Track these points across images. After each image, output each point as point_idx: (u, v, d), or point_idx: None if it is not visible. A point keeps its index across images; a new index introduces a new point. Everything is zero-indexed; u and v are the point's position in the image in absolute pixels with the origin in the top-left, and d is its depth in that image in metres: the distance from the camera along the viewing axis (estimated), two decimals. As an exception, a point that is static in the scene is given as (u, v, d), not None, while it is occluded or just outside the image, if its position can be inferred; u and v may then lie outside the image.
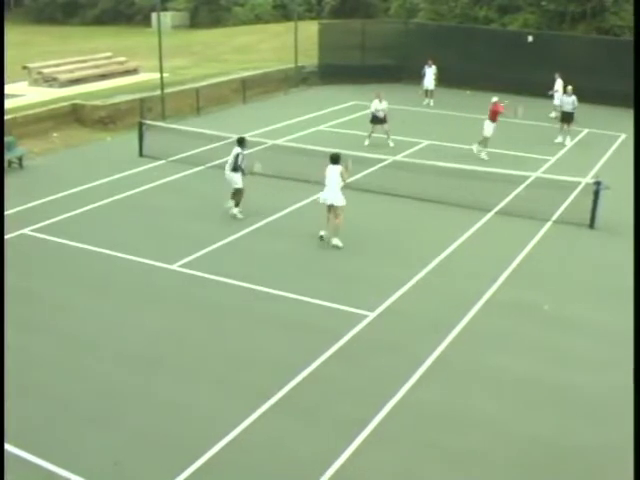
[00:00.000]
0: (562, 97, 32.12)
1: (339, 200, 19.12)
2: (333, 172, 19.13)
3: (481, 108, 30.30)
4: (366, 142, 29.36)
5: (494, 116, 27.94)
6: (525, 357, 14.30)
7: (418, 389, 13.10)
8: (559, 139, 31.05)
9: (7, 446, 10.93)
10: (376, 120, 29.39)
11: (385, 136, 29.31)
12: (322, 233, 19.48)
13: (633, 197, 20.70)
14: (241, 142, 21.08)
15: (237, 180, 20.87)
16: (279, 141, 27.79)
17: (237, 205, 21.02)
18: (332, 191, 19.12)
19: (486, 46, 41.17)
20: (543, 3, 43.95)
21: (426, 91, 38.71)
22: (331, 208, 19.24)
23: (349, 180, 19.97)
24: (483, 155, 28.04)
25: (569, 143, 30.72)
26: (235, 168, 20.73)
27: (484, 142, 28.24)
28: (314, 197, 21.11)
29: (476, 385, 13.36)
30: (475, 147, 28.34)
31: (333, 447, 11.40)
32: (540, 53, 39.19)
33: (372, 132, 29.46)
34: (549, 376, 13.63)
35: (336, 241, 19.16)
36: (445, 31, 44.11)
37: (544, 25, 43.68)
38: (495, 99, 28.44)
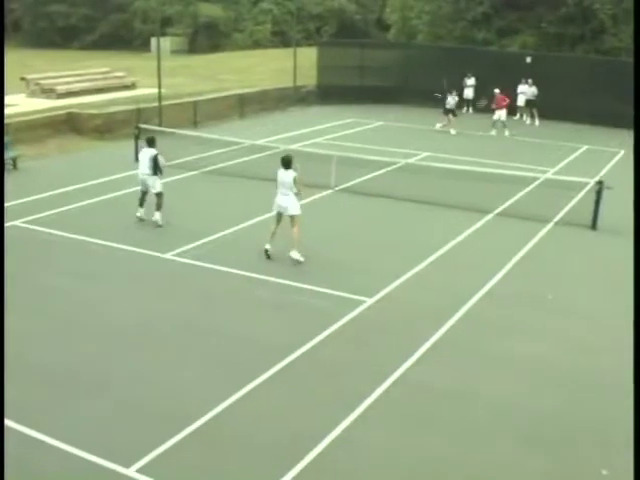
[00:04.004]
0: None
1: (293, 208, 17.25)
2: (285, 177, 17.16)
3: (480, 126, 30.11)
4: (452, 131, 35.74)
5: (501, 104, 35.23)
6: (526, 340, 13.97)
7: (418, 367, 12.75)
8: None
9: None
10: (446, 111, 35.85)
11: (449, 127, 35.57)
12: (267, 247, 17.52)
13: (633, 197, 20.51)
14: (151, 142, 19.88)
15: (157, 184, 19.72)
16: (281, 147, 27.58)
17: (158, 209, 19.70)
18: (284, 198, 17.27)
19: (485, 67, 41.07)
20: (543, 25, 44.00)
21: (467, 101, 41.77)
22: (281, 217, 17.49)
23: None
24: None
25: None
26: (154, 171, 19.57)
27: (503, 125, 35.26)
28: (310, 198, 20.93)
29: (477, 364, 13.00)
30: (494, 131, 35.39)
31: (329, 420, 11.00)
32: (539, 74, 39.08)
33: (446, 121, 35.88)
34: (551, 357, 13.31)
35: (295, 254, 17.29)
36: (444, 53, 43.99)
37: (543, 47, 43.69)
38: (497, 90, 35.52)
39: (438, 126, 36.25)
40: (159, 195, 19.77)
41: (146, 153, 19.71)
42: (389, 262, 17.79)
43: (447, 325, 14.34)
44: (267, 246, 17.49)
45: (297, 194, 17.30)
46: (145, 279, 16.42)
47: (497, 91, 35.89)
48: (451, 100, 36.08)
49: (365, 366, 12.73)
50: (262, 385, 11.96)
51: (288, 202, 17.20)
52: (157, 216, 19.66)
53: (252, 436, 10.66)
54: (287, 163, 17.20)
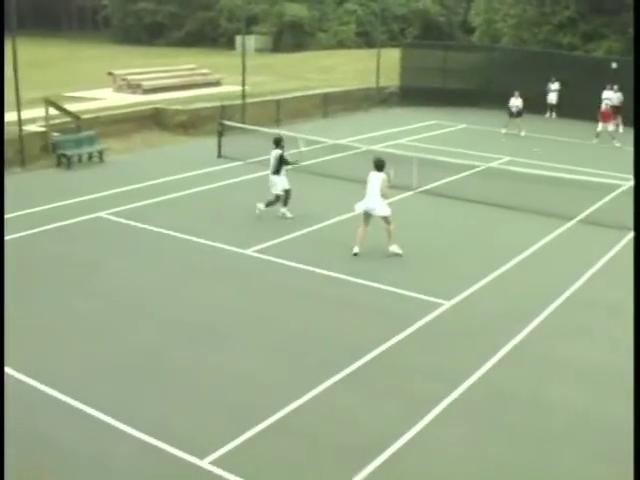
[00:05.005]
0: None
1: (381, 210, 17.65)
2: (375, 179, 17.67)
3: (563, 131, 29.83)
4: (503, 131, 35.84)
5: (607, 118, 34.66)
6: (605, 349, 13.84)
7: (494, 372, 12.67)
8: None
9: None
10: (511, 114, 35.98)
11: (517, 130, 35.58)
12: (356, 251, 17.73)
13: (633, 197, 20.15)
14: (278, 142, 20.22)
15: (278, 185, 20.03)
16: (363, 148, 27.69)
17: (285, 204, 20.32)
18: (372, 199, 17.64)
19: (569, 72, 40.51)
20: (630, 31, 43.20)
21: (550, 106, 41.65)
22: (369, 218, 17.82)
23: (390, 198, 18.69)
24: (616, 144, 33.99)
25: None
26: (277, 171, 19.91)
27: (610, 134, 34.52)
28: (391, 199, 20.90)
29: (554, 371, 12.87)
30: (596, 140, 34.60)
31: (402, 422, 11.02)
32: (624, 80, 38.34)
33: (508, 124, 35.91)
34: (630, 367, 13.06)
35: (395, 248, 17.85)
36: (528, 56, 43.48)
37: (628, 52, 42.88)
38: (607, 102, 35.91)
39: (503, 131, 36.02)
40: (278, 196, 20.21)
41: (273, 153, 20.11)
42: (468, 265, 17.73)
43: (525, 331, 14.22)
44: (356, 249, 17.71)
45: (383, 196, 17.67)
46: (223, 273, 16.65)
47: (608, 102, 35.84)
48: (515, 102, 36.09)
49: (440, 369, 12.72)
50: (338, 384, 12.03)
51: (376, 203, 17.57)
52: (282, 210, 20.32)
53: (326, 434, 10.73)
54: (379, 166, 17.76)
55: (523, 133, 35.83)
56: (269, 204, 20.23)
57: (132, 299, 15.06)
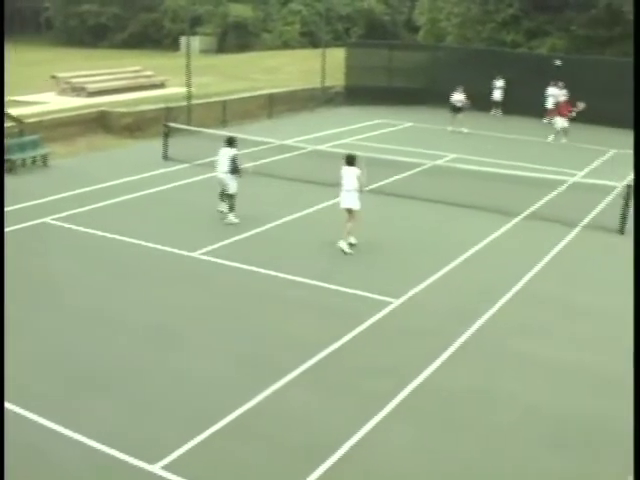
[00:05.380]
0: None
1: (355, 204, 18.20)
2: (349, 174, 18.21)
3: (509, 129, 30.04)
4: (449, 128, 36.23)
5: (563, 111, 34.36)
6: (553, 343, 13.99)
7: (444, 369, 12.77)
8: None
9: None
10: (454, 109, 36.38)
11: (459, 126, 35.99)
12: (344, 244, 18.29)
13: (633, 197, 20.40)
14: (231, 142, 20.17)
15: (233, 184, 19.92)
16: (309, 148, 27.74)
17: (231, 210, 20.09)
18: (350, 195, 18.21)
19: (514, 69, 40.94)
20: (572, 28, 43.77)
21: (495, 103, 42.19)
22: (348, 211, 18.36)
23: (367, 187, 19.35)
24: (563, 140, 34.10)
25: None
26: (232, 171, 19.77)
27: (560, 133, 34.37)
28: (337, 199, 21.08)
29: (504, 366, 13.03)
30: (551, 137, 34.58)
31: (354, 420, 11.06)
32: (568, 76, 38.83)
33: (454, 121, 36.20)
34: (577, 360, 13.30)
35: (344, 245, 18.17)
36: (472, 54, 43.86)
37: (572, 49, 43.45)
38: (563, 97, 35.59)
39: (450, 129, 36.35)
40: (232, 196, 20.02)
41: (225, 152, 19.96)
42: (416, 263, 17.82)
43: (474, 327, 14.35)
44: (353, 240, 18.36)
45: (359, 190, 18.23)
46: (173, 277, 16.54)
47: (563, 97, 35.69)
48: (458, 97, 36.51)
49: (391, 368, 12.76)
50: (289, 384, 12.04)
51: (353, 199, 18.16)
52: (230, 217, 20.04)
53: (278, 435, 10.72)
54: (351, 161, 18.41)
55: (466, 130, 36.16)
56: (232, 207, 20.08)
57: (81, 305, 14.85)
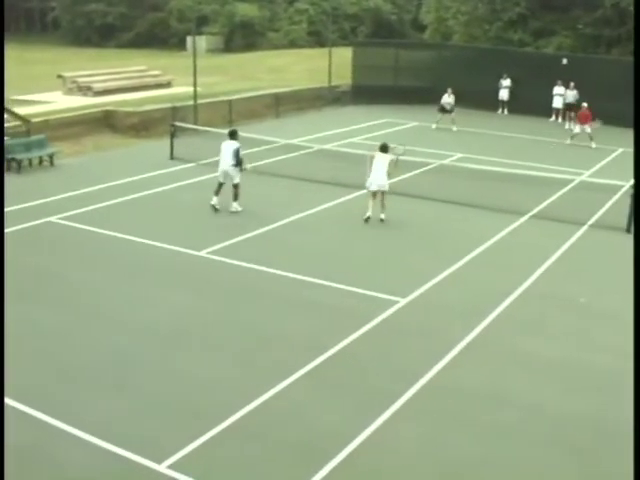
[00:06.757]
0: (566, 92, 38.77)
1: (386, 186, 20.36)
2: (382, 159, 20.34)
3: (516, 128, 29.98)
4: (433, 126, 36.54)
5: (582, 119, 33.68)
6: (559, 342, 13.94)
7: (450, 369, 12.73)
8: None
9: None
10: (443, 110, 36.60)
11: (451, 125, 36.07)
12: (368, 214, 20.29)
13: (633, 197, 20.31)
14: (233, 134, 20.89)
15: (237, 175, 20.56)
16: (316, 147, 27.73)
17: (236, 199, 20.68)
18: (381, 177, 20.21)
19: (520, 68, 40.86)
20: (579, 27, 43.69)
21: (502, 102, 42.07)
22: (376, 194, 20.33)
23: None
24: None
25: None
26: (237, 163, 20.42)
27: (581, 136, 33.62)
28: (343, 199, 21.30)
29: (510, 366, 12.98)
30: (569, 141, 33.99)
31: (360, 420, 11.02)
32: (575, 76, 38.76)
33: (439, 120, 36.54)
34: (583, 360, 13.26)
35: (383, 215, 20.37)
36: (479, 53, 43.78)
37: (579, 49, 43.37)
38: (585, 105, 33.88)
39: (434, 126, 36.59)
40: (236, 186, 20.63)
41: (229, 145, 20.53)
42: (424, 263, 17.78)
43: (480, 326, 14.30)
44: (368, 213, 20.39)
45: (388, 174, 20.45)
46: (179, 276, 16.51)
47: (585, 105, 34.35)
48: (447, 99, 36.77)
49: (397, 367, 12.73)
50: (295, 384, 12.00)
51: (384, 181, 20.35)
52: (235, 205, 20.79)
53: (285, 434, 10.69)
54: (384, 148, 20.76)
55: (455, 128, 36.14)
56: (236, 196, 20.64)
57: (87, 304, 14.85)
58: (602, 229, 20.74)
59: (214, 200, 20.71)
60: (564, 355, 13.42)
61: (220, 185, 20.77)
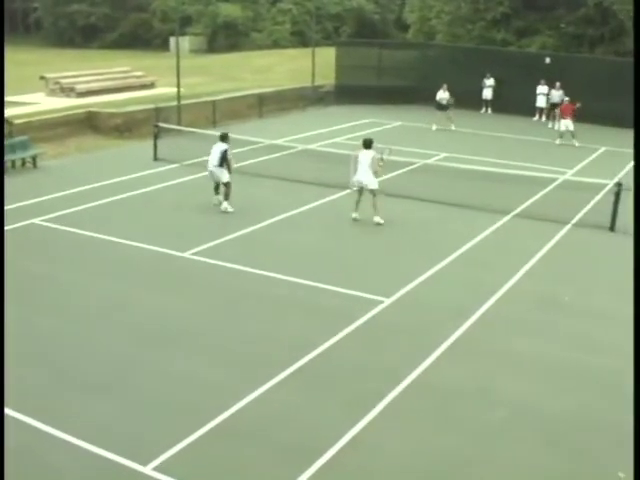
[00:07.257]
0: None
1: (371, 183, 19.96)
2: (365, 156, 19.97)
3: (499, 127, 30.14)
4: (434, 127, 36.32)
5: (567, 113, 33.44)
6: (543, 341, 13.94)
7: (435, 368, 12.73)
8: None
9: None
10: (440, 107, 36.53)
11: (449, 123, 36.16)
12: (354, 215, 20.25)
13: (633, 197, 20.37)
14: (224, 138, 21.05)
15: (224, 175, 20.72)
16: (299, 147, 27.74)
17: (227, 199, 20.88)
18: (364, 175, 19.92)
19: (504, 68, 40.97)
20: (562, 26, 43.86)
21: (485, 101, 42.35)
22: (363, 191, 20.11)
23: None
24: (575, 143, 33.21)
25: None
26: (221, 164, 20.63)
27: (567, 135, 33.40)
28: (328, 199, 21.33)
29: (495, 365, 12.99)
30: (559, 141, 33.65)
31: (345, 420, 10.99)
32: (558, 75, 38.88)
33: (439, 120, 36.27)
34: (568, 358, 13.28)
35: (377, 219, 20.03)
36: (462, 53, 43.90)
37: (562, 48, 43.53)
38: (567, 98, 34.22)
39: (434, 128, 36.48)
40: (227, 184, 20.82)
41: (217, 147, 20.77)
42: (407, 262, 17.79)
43: (465, 325, 14.32)
44: (354, 215, 20.32)
45: (375, 173, 20.09)
46: (163, 277, 16.47)
47: (566, 99, 34.39)
48: (442, 95, 36.79)
49: (382, 367, 12.72)
50: (280, 384, 11.98)
51: (367, 178, 20.00)
52: (225, 205, 20.89)
53: (269, 435, 10.67)
54: (368, 144, 20.36)
55: (453, 127, 36.26)
56: (227, 196, 20.84)
57: (70, 305, 14.79)
58: (586, 228, 20.80)
59: (215, 199, 21.24)
60: (548, 353, 13.44)
61: (216, 184, 21.18)
